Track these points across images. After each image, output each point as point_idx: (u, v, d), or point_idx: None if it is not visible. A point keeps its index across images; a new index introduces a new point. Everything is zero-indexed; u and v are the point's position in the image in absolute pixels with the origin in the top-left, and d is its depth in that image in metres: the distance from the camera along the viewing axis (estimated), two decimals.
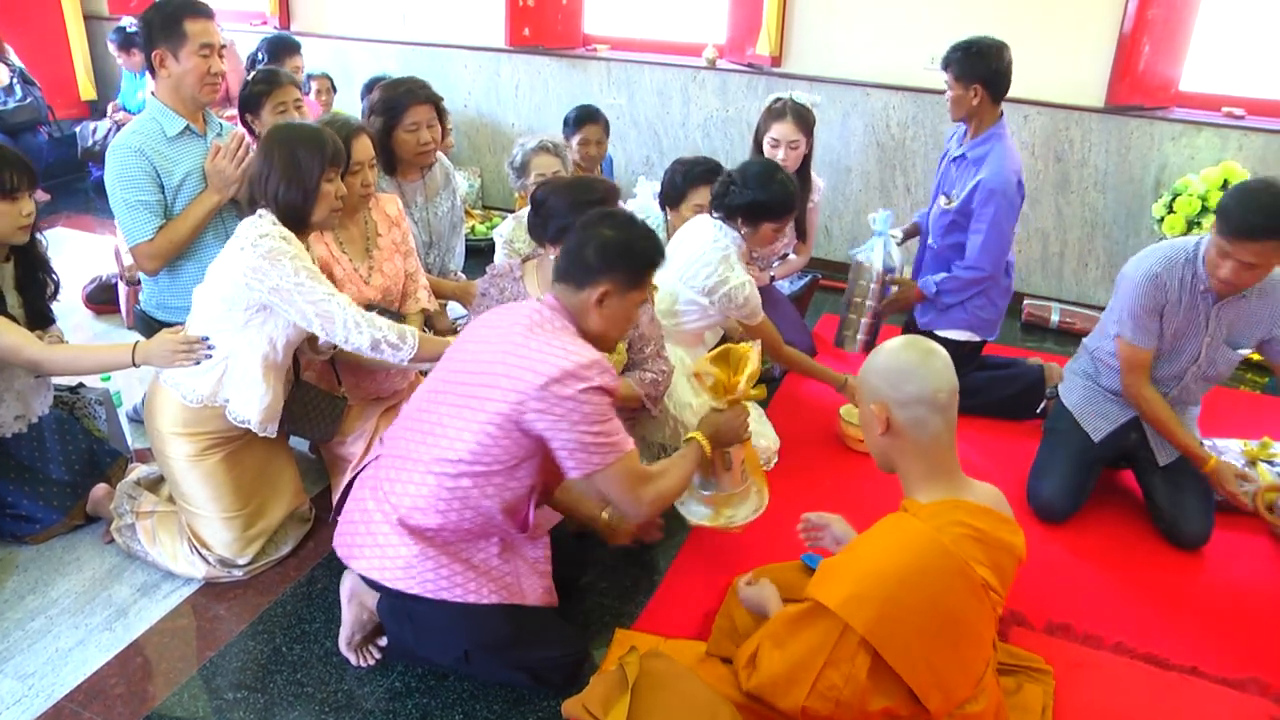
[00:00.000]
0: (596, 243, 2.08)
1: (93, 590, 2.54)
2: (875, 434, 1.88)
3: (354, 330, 2.35)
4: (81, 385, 3.04)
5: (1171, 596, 2.65)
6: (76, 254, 4.81)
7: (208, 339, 2.41)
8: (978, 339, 3.54)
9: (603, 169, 4.33)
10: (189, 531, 2.56)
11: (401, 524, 2.10)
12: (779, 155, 3.65)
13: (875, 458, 1.94)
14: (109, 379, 3.33)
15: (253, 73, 3.53)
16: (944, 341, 3.26)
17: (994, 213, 3.27)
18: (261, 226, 2.35)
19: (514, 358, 2.00)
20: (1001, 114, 3.36)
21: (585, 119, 3.99)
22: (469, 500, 2.06)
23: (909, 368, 1.81)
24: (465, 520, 2.08)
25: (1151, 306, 2.73)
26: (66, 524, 2.72)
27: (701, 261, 3.00)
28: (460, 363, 2.12)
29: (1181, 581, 2.72)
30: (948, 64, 3.30)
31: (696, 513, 2.53)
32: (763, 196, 2.96)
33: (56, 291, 2.79)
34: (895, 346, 1.87)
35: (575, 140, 3.96)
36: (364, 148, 2.71)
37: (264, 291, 2.31)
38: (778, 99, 3.70)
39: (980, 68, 3.24)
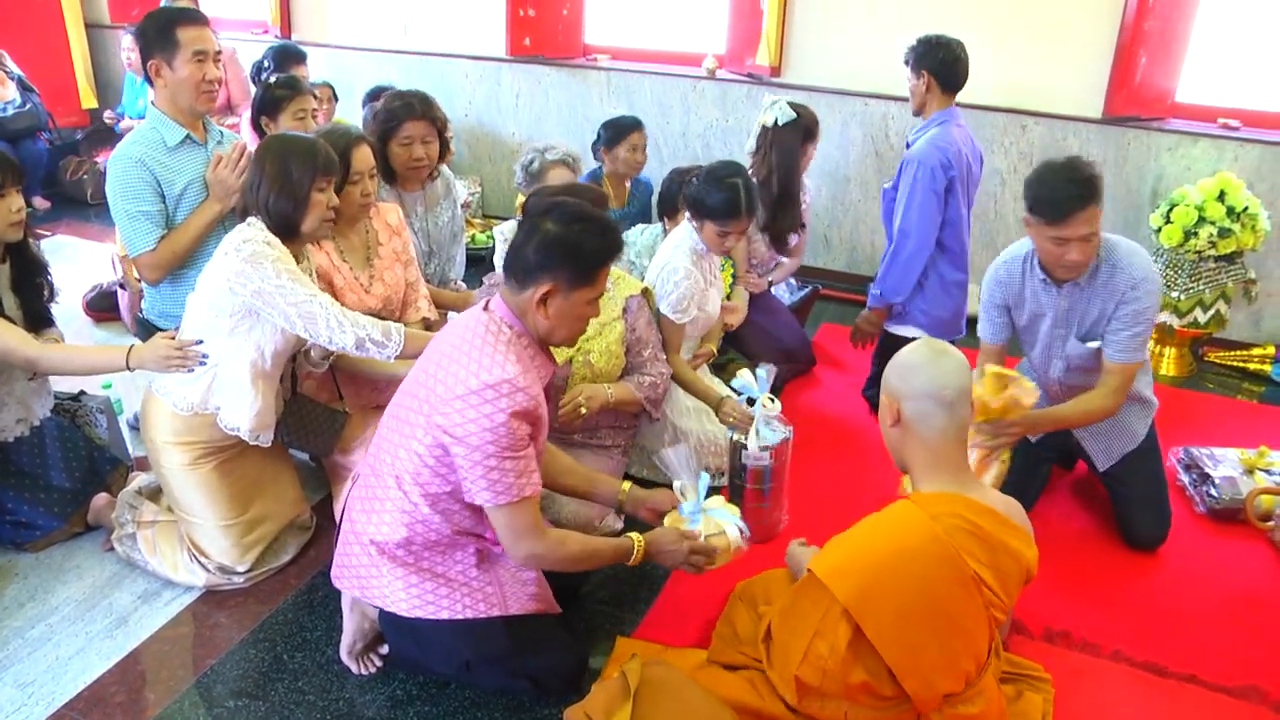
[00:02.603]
0: (538, 238, 1.96)
1: (93, 598, 2.54)
2: (887, 425, 1.99)
3: (337, 329, 2.34)
4: (83, 393, 3.04)
5: (1170, 604, 2.66)
6: (77, 261, 4.82)
7: (201, 342, 2.42)
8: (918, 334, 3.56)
9: (639, 189, 4.31)
10: (188, 540, 2.56)
11: (373, 544, 2.11)
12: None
13: (890, 452, 2.03)
14: (110, 386, 3.33)
15: (273, 78, 3.56)
16: (900, 340, 3.33)
17: (912, 180, 3.34)
18: (246, 233, 2.36)
19: (437, 368, 1.99)
20: (952, 106, 3.42)
21: (632, 126, 4.01)
22: (424, 518, 2.07)
23: (919, 363, 1.93)
24: (430, 533, 2.09)
25: (996, 302, 2.86)
26: (66, 531, 2.73)
27: (657, 260, 3.02)
28: (409, 378, 2.11)
29: (1180, 589, 2.72)
30: (907, 58, 3.42)
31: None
32: (705, 196, 2.96)
33: (52, 295, 2.80)
34: (913, 345, 1.99)
35: (622, 149, 3.98)
36: (364, 157, 2.72)
37: (247, 295, 2.31)
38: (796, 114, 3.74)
39: (931, 57, 3.35)
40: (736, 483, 2.81)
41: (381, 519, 2.10)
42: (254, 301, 2.32)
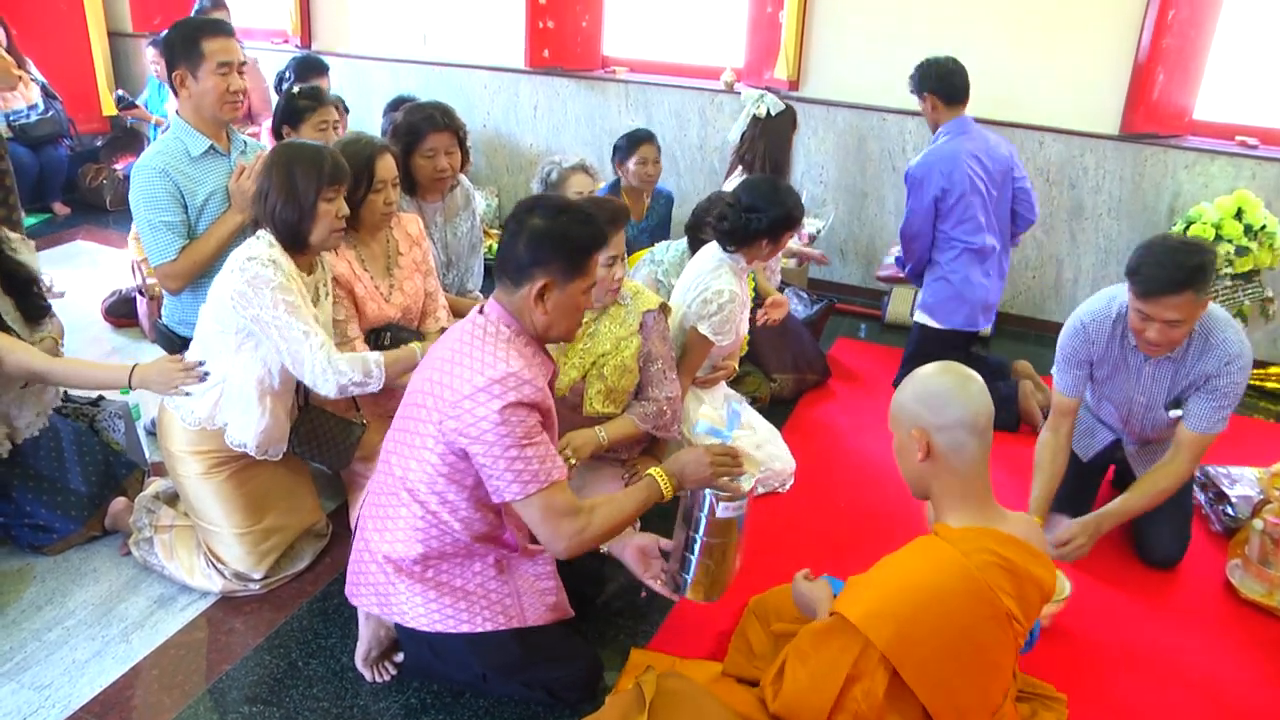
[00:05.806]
0: (526, 235, 1.98)
1: (110, 602, 2.55)
2: (914, 460, 1.86)
3: (320, 378, 2.35)
4: (102, 398, 3.07)
5: (1184, 621, 2.64)
6: (96, 267, 4.86)
7: (203, 364, 2.43)
8: (936, 324, 3.80)
9: (658, 201, 4.35)
10: (204, 547, 2.57)
11: (387, 560, 2.11)
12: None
13: (910, 484, 1.93)
14: (128, 392, 3.34)
15: (296, 88, 3.60)
16: (932, 331, 3.84)
17: (907, 191, 3.74)
18: (253, 248, 2.36)
19: (439, 374, 1.99)
20: (961, 118, 3.66)
21: (642, 139, 4.06)
22: (440, 525, 2.07)
23: (949, 392, 1.82)
24: (446, 545, 2.08)
25: (1076, 357, 2.71)
26: (84, 534, 2.74)
27: (696, 280, 3.04)
28: (410, 387, 2.11)
29: (1194, 607, 2.71)
30: (910, 88, 3.73)
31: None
32: (781, 211, 3.05)
33: (42, 288, 2.82)
34: (930, 372, 1.87)
35: (632, 161, 4.03)
36: (387, 167, 2.73)
37: (246, 319, 2.32)
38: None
39: (927, 77, 3.65)
40: (693, 535, 2.17)
41: (395, 535, 2.10)
42: (252, 326, 2.34)
